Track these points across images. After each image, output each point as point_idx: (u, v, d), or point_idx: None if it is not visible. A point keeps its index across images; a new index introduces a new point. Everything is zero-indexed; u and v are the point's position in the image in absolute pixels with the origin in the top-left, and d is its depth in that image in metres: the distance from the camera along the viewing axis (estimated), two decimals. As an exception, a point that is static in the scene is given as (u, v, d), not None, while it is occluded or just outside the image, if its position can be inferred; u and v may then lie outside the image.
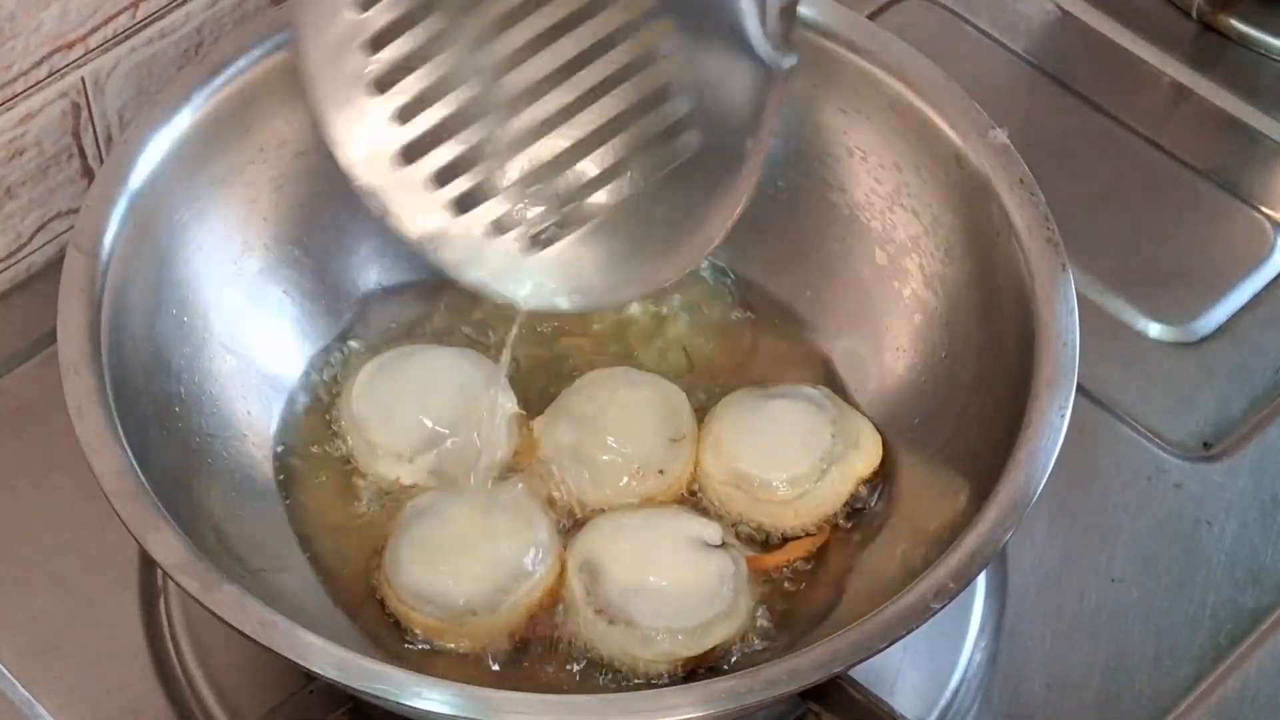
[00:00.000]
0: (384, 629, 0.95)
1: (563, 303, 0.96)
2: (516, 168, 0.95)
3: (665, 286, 1.02)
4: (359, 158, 0.94)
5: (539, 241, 0.95)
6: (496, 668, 0.93)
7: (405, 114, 0.93)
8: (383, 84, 0.93)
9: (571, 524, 0.98)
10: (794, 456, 0.98)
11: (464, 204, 0.94)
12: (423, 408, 0.99)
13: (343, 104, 0.93)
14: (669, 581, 0.94)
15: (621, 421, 0.99)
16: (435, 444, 0.99)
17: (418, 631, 0.94)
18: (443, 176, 0.94)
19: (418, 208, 0.94)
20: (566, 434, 0.99)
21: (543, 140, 0.94)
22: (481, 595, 0.93)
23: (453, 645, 0.94)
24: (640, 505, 0.98)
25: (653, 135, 0.93)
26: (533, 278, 0.95)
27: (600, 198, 0.95)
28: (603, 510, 0.98)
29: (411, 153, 0.94)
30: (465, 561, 0.94)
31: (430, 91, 0.93)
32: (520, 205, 0.95)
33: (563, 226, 0.95)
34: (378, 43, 0.93)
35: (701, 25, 0.92)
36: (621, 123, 0.93)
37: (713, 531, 0.96)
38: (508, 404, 1.01)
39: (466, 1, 0.92)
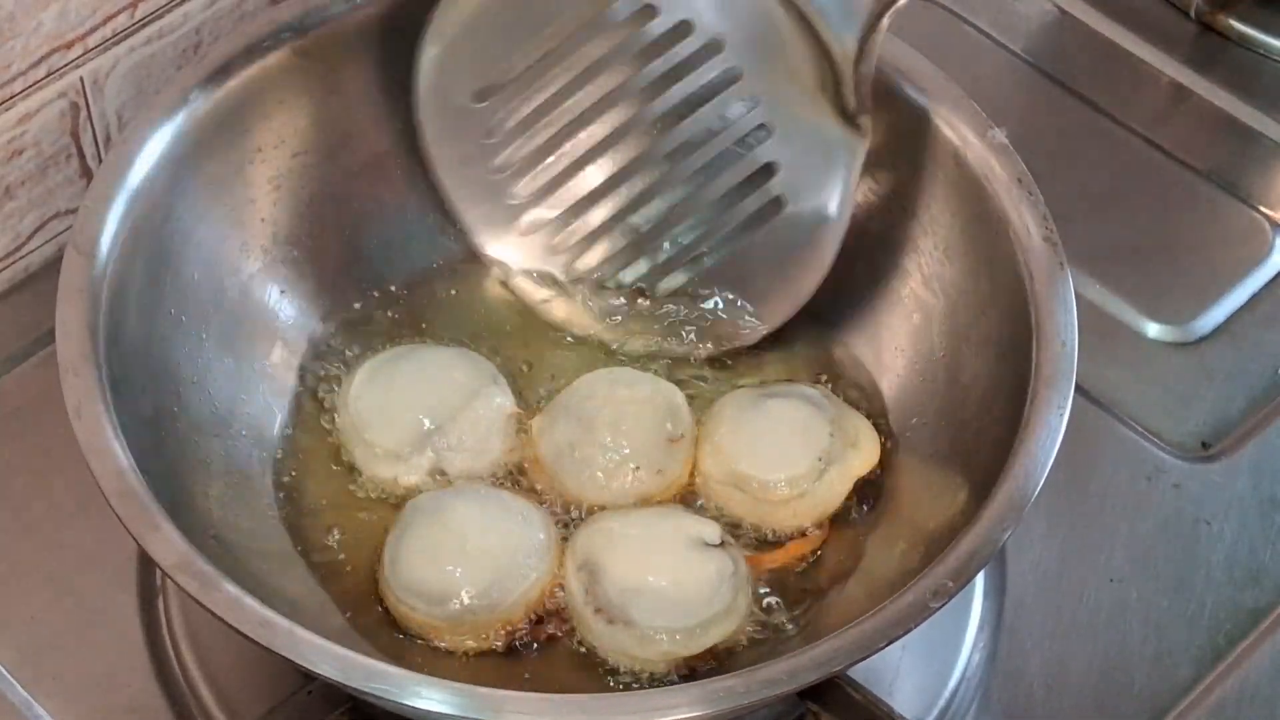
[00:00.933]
0: (384, 629, 0.95)
1: (663, 351, 1.04)
2: (620, 235, 1.03)
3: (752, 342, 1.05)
4: (483, 229, 1.04)
5: (640, 301, 1.04)
6: (495, 667, 0.93)
7: (523, 190, 1.03)
8: (500, 163, 1.02)
9: (570, 523, 0.98)
10: (792, 456, 0.98)
11: (576, 269, 1.04)
12: (420, 407, 0.99)
13: (464, 179, 1.03)
14: (668, 581, 0.94)
15: (620, 421, 0.99)
16: (433, 443, 0.99)
17: (417, 631, 0.94)
18: (557, 246, 1.03)
19: (536, 272, 1.05)
20: (565, 433, 0.99)
21: (646, 209, 1.03)
22: (480, 594, 0.93)
23: (452, 644, 0.94)
24: (639, 505, 0.98)
25: (745, 202, 1.01)
26: (635, 333, 1.04)
27: (699, 262, 1.03)
28: (601, 510, 0.98)
29: (529, 225, 1.03)
30: (464, 561, 0.94)
31: (541, 168, 1.03)
32: (624, 267, 1.04)
33: (662, 288, 1.04)
34: (496, 131, 1.02)
35: (789, 96, 0.99)
36: (717, 190, 1.01)
37: (712, 531, 0.95)
38: (505, 403, 1.01)
39: (568, 87, 1.01)
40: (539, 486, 0.99)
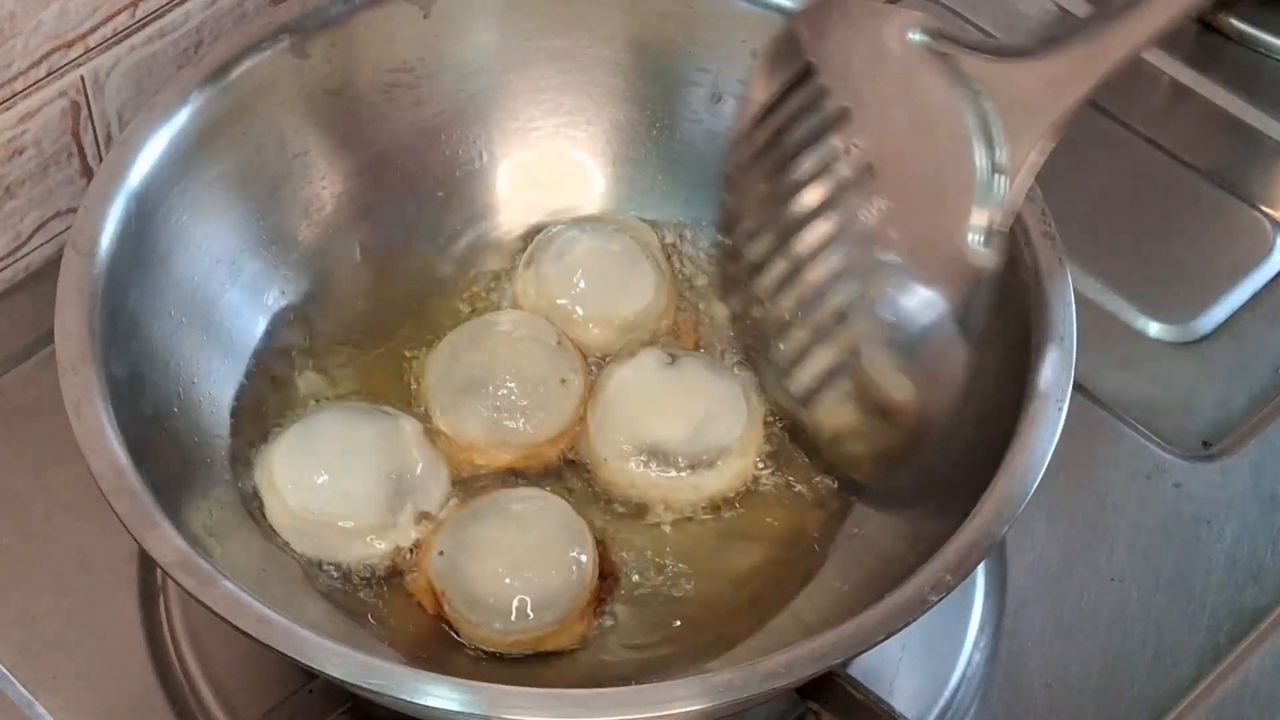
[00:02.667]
0: (382, 625, 0.95)
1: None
2: None
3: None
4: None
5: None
6: (495, 665, 0.93)
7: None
8: None
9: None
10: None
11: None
12: (367, 470, 0.96)
13: None
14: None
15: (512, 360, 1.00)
16: (405, 495, 0.96)
17: (465, 632, 0.94)
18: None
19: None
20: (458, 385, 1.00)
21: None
22: (554, 607, 0.93)
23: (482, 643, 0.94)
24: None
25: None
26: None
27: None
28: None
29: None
30: (526, 574, 0.94)
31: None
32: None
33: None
34: None
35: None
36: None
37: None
38: (415, 425, 0.99)
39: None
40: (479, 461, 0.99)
